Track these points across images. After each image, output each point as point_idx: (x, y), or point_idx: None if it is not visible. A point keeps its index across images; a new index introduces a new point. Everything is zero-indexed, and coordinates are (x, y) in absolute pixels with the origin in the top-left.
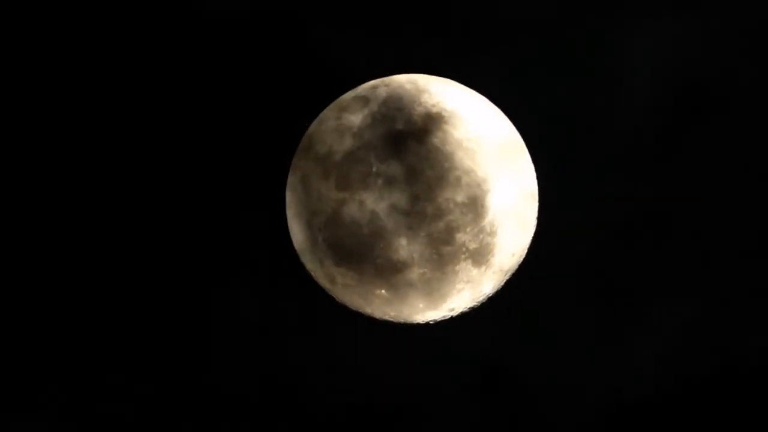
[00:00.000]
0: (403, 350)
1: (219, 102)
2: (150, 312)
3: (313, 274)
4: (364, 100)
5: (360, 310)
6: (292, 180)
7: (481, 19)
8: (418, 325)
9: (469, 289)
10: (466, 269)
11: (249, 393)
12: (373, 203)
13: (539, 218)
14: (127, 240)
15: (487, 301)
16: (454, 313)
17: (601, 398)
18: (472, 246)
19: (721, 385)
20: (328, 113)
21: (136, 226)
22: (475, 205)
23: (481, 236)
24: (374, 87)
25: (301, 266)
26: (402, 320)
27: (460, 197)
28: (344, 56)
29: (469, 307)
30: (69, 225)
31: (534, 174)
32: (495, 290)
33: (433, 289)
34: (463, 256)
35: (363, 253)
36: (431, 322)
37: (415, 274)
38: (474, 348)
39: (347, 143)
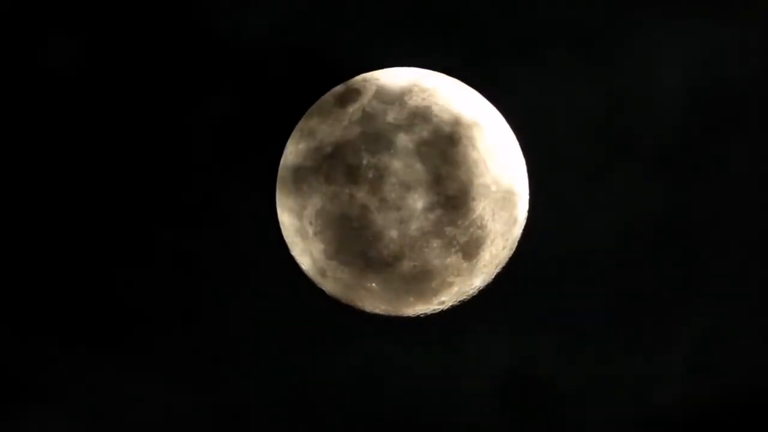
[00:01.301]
0: (399, 345)
1: (215, 99)
2: (150, 314)
3: (303, 267)
4: (356, 92)
5: (351, 304)
6: (282, 173)
7: (485, 16)
8: (409, 318)
9: (459, 283)
10: (457, 262)
11: (243, 391)
12: (364, 197)
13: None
14: (119, 241)
15: (486, 301)
16: (444, 307)
17: (608, 407)
18: (462, 239)
19: (748, 397)
20: (319, 105)
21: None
22: (465, 198)
23: (471, 230)
24: (365, 80)
25: (291, 259)
26: (393, 314)
27: (450, 190)
28: (340, 51)
29: (459, 300)
30: (71, 228)
31: (524, 167)
32: (485, 283)
33: (423, 283)
34: (453, 250)
35: (353, 246)
36: (421, 315)
37: (405, 267)
38: (479, 349)
39: (338, 136)
